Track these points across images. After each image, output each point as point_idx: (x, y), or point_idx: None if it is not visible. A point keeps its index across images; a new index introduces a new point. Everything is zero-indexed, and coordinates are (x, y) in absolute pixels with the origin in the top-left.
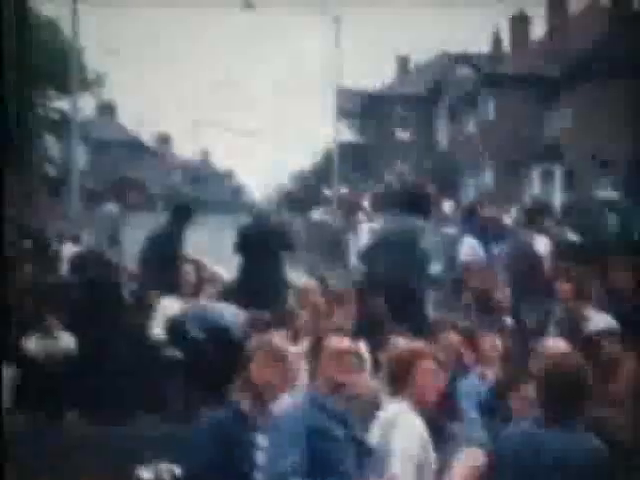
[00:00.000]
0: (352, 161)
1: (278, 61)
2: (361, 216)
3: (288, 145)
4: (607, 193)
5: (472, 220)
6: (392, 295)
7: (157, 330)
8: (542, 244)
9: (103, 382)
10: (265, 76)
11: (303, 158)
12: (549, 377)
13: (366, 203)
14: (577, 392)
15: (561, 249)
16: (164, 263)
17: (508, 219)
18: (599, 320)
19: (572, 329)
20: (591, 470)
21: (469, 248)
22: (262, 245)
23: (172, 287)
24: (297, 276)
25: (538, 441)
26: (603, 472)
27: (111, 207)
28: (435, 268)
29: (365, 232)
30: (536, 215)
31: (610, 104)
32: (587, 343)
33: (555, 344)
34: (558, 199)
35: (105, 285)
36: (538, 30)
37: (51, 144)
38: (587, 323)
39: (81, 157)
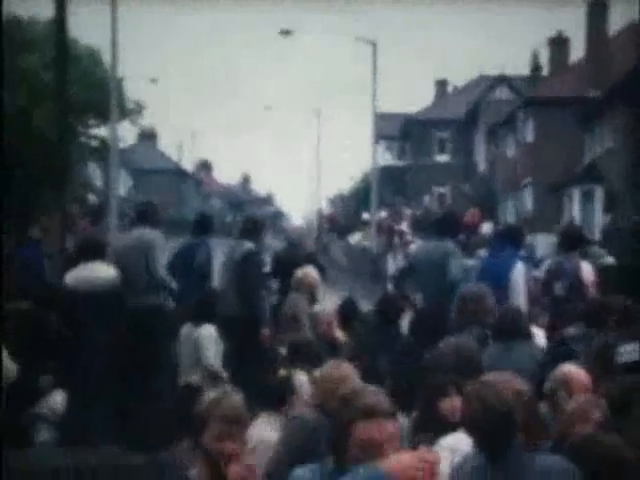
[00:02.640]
0: (391, 184)
1: (315, 86)
2: (399, 240)
3: (328, 170)
4: None
5: (512, 244)
6: (421, 316)
7: None
8: (586, 269)
9: None
10: (302, 101)
11: (343, 182)
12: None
13: (405, 226)
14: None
15: (600, 274)
16: (188, 272)
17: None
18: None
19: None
20: None
21: (521, 273)
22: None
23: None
24: (332, 299)
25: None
26: None
27: (146, 231)
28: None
29: (403, 255)
30: (575, 240)
31: None
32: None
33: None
34: (599, 221)
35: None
36: (577, 52)
37: (92, 172)
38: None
39: (122, 184)
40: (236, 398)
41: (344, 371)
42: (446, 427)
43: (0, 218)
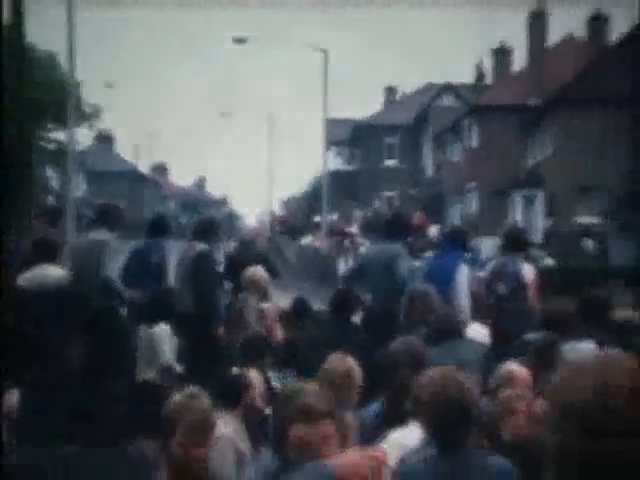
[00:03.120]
0: (342, 188)
1: (269, 93)
2: (349, 242)
3: (282, 173)
4: (587, 219)
5: (457, 246)
6: (371, 315)
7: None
8: (527, 270)
9: None
10: (257, 107)
11: (296, 185)
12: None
13: (355, 229)
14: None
15: (540, 274)
16: (144, 272)
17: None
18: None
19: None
20: None
21: (464, 274)
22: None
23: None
24: (284, 298)
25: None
26: None
27: (101, 234)
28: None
29: (353, 257)
30: (517, 243)
31: (590, 133)
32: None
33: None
34: (540, 225)
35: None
36: (519, 61)
37: (50, 175)
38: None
39: (79, 187)
40: (205, 401)
41: (349, 363)
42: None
43: None
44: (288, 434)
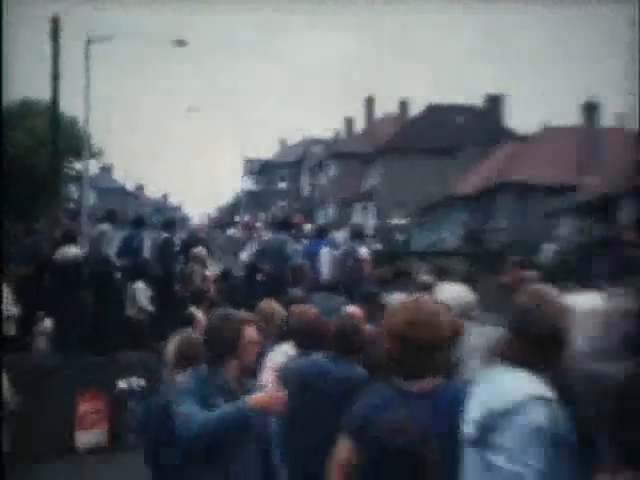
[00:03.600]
0: (253, 200)
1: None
2: (256, 233)
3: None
4: (399, 221)
5: (322, 236)
6: (270, 278)
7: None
8: (363, 251)
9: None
10: (194, 150)
11: (225, 198)
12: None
13: (259, 225)
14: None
15: (371, 254)
16: (129, 251)
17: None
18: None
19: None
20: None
21: (326, 253)
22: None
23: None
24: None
25: (324, 368)
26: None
27: (104, 226)
28: (297, 262)
29: (257, 243)
30: (358, 234)
31: (404, 169)
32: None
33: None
34: (372, 224)
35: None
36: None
37: (72, 191)
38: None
39: (90, 198)
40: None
41: (274, 305)
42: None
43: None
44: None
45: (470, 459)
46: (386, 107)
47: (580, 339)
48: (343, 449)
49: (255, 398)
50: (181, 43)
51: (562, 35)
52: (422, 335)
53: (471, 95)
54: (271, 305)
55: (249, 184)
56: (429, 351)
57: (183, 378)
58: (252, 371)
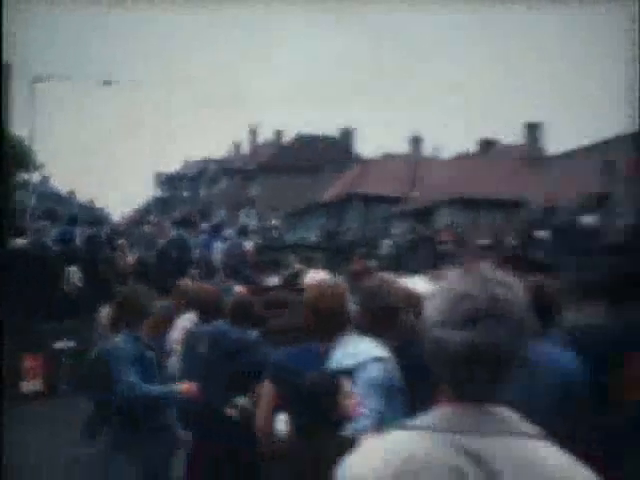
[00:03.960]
0: (161, 205)
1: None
2: (163, 230)
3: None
4: (275, 222)
5: (215, 233)
6: (175, 263)
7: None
8: (247, 244)
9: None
10: (118, 163)
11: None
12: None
13: (167, 224)
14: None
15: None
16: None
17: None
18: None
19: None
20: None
21: (218, 246)
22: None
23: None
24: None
25: (225, 331)
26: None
27: (44, 222)
28: (196, 252)
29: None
30: (243, 232)
31: (281, 182)
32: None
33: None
34: (252, 224)
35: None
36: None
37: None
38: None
39: (31, 201)
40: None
41: (186, 283)
42: None
43: None
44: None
45: None
46: (266, 135)
47: (428, 311)
48: (267, 389)
49: (183, 387)
50: (107, 82)
51: (561, 35)
52: (329, 305)
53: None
54: (185, 283)
55: (159, 192)
56: (334, 318)
57: (118, 339)
58: (161, 332)
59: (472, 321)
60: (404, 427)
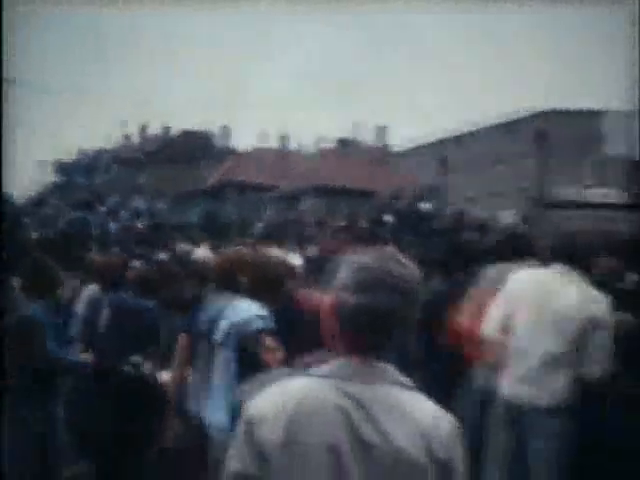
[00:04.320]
0: (60, 190)
1: None
2: (64, 212)
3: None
4: (163, 205)
5: (113, 214)
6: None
7: None
8: (140, 225)
9: None
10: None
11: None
12: None
13: (66, 207)
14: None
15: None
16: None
17: None
18: None
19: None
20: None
21: (114, 225)
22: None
23: None
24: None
25: (126, 299)
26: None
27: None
28: (95, 231)
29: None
30: (138, 214)
31: (168, 171)
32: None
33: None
34: (143, 207)
35: None
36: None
37: None
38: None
39: None
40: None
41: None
42: None
43: None
44: None
45: (219, 354)
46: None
47: (338, 276)
48: (185, 340)
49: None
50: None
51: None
52: (231, 268)
53: None
54: (97, 258)
55: (57, 178)
56: (236, 279)
57: (36, 306)
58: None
59: (368, 288)
60: (306, 375)
